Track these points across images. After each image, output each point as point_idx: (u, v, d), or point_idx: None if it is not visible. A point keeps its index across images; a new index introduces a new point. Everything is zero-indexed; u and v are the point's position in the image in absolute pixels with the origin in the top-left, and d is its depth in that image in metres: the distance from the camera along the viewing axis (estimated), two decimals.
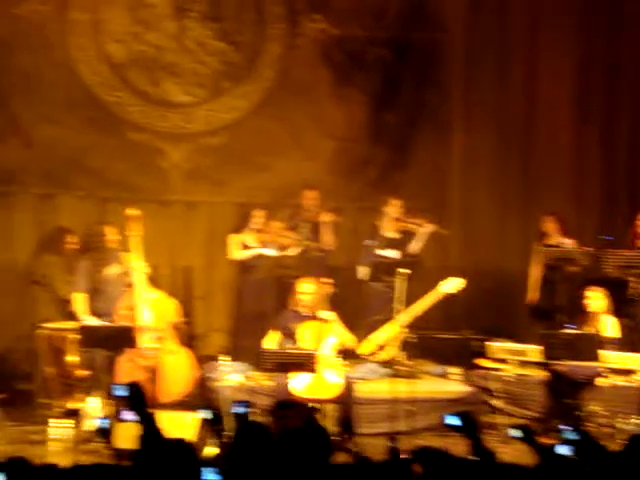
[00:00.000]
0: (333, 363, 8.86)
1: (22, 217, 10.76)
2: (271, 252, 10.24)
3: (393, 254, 10.25)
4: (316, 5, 10.90)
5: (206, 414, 5.47)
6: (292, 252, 10.30)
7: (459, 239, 11.00)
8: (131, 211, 9.47)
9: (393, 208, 10.31)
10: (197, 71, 11.03)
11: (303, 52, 11.07)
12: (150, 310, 9.13)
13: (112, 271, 9.60)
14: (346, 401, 8.68)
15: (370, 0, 10.48)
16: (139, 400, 5.45)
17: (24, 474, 4.97)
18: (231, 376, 9.45)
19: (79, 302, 9.42)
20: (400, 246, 10.29)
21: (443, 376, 9.79)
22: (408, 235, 10.33)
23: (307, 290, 9.14)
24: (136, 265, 9.35)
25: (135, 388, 5.48)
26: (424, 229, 10.25)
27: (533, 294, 10.17)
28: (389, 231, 10.37)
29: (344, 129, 10.69)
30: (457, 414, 5.29)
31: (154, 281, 9.58)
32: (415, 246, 10.26)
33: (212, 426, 5.56)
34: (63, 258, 10.08)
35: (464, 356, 10.04)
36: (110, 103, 10.83)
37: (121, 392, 5.59)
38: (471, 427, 5.22)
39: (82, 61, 10.74)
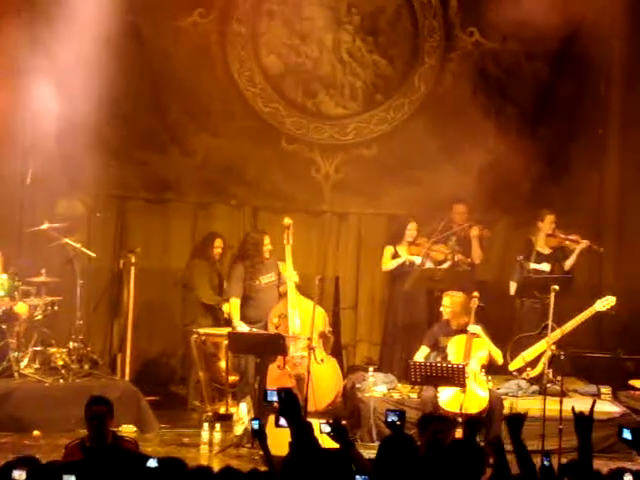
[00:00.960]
0: (480, 378, 8.81)
1: (178, 224, 11.03)
2: (416, 259, 10.23)
3: (546, 267, 10.14)
4: (471, 18, 10.84)
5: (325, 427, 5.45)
6: (443, 265, 10.28)
7: (613, 256, 10.75)
8: (288, 220, 9.60)
9: (548, 223, 10.20)
10: (351, 84, 11.12)
11: (457, 65, 11.04)
12: (301, 319, 9.23)
13: (266, 280, 9.76)
14: (493, 416, 8.61)
15: (527, 13, 10.35)
16: (292, 406, 5.51)
17: (179, 475, 5.09)
18: (378, 387, 9.49)
19: (234, 307, 9.61)
20: (553, 262, 10.17)
21: (594, 395, 9.58)
22: (561, 251, 10.20)
23: (449, 303, 9.14)
24: (289, 274, 9.49)
25: (288, 394, 5.53)
26: (578, 245, 10.10)
27: None
28: (543, 246, 10.26)
29: (497, 142, 10.60)
30: (632, 429, 5.20)
31: (304, 290, 9.71)
32: (569, 262, 10.13)
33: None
34: (210, 263, 10.29)
35: (616, 376, 9.82)
36: (266, 114, 11.03)
37: (274, 398, 5.66)
38: None
39: (240, 73, 10.97)
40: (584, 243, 10.08)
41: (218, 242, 10.28)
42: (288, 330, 9.35)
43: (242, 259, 9.81)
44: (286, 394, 5.53)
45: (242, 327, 9.51)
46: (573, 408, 5.51)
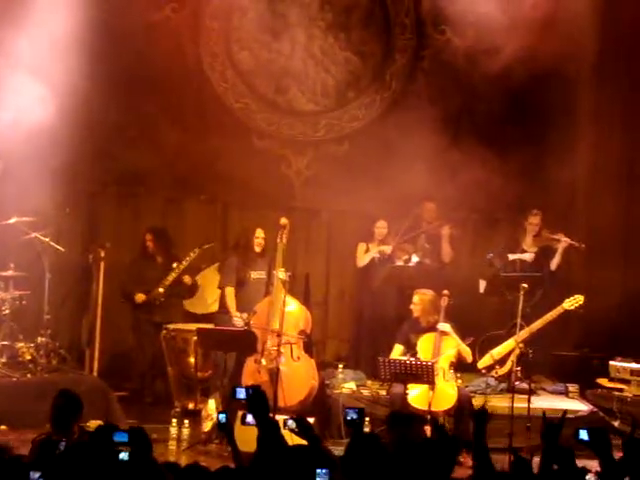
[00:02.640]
0: (449, 375, 8.84)
1: (148, 218, 10.98)
2: (388, 249, 10.24)
3: (528, 257, 10.19)
4: (443, 16, 10.86)
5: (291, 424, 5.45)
6: (411, 263, 10.31)
7: (581, 254, 10.80)
8: (284, 220, 9.55)
9: (534, 222, 10.25)
10: (323, 80, 11.12)
11: (428, 63, 11.06)
12: (284, 316, 9.18)
13: (256, 275, 9.73)
14: (462, 414, 8.64)
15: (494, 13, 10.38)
16: (260, 404, 5.49)
17: (147, 470, 5.08)
18: (347, 384, 9.50)
19: (230, 296, 9.59)
20: (536, 261, 10.23)
21: (562, 394, 9.64)
22: (547, 250, 10.25)
23: (419, 301, 9.17)
24: (279, 272, 9.43)
25: (256, 392, 5.52)
26: (560, 244, 10.15)
27: None
28: (529, 245, 10.32)
29: (468, 140, 10.63)
30: (588, 429, 5.24)
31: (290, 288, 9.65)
32: (555, 261, 10.19)
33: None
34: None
35: (584, 375, 9.89)
36: (237, 110, 11.01)
37: (242, 395, 5.64)
38: (602, 443, 5.16)
39: (212, 68, 10.95)
40: (565, 241, 10.13)
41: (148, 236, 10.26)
42: (267, 325, 9.29)
43: (234, 249, 9.83)
44: (254, 391, 5.52)
45: (238, 320, 9.47)
46: (544, 414, 5.56)
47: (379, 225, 10.38)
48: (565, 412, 5.86)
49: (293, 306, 9.33)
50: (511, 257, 10.27)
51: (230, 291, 9.63)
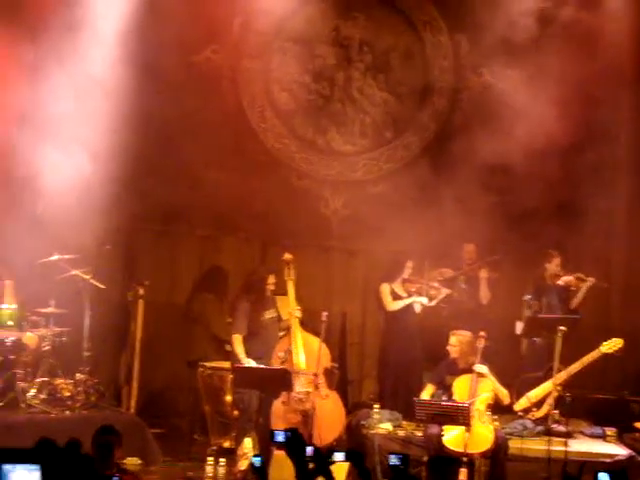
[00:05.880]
0: (485, 417, 8.81)
1: (186, 256, 11.07)
2: (423, 300, 10.28)
3: (555, 301, 10.20)
4: (482, 59, 10.92)
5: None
6: (442, 303, 10.33)
7: (619, 298, 10.76)
8: (288, 256, 9.63)
9: (554, 264, 10.26)
10: (361, 121, 11.20)
11: (466, 105, 11.12)
12: (305, 354, 9.24)
13: (269, 315, 9.78)
14: (498, 457, 8.61)
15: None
16: (299, 447, 5.53)
17: None
18: (383, 424, 9.49)
19: (239, 344, 9.62)
20: (561, 301, 10.23)
21: (599, 437, 9.57)
22: (566, 291, 10.25)
23: (456, 342, 9.17)
24: (292, 309, 9.49)
25: (295, 435, 5.56)
26: (584, 283, 10.14)
27: None
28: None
29: (503, 182, 10.65)
30: (610, 472, 5.21)
31: (311, 326, 9.72)
32: (576, 301, 10.19)
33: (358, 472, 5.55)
34: (219, 297, 10.31)
35: (622, 418, 9.82)
36: (276, 150, 11.11)
37: (280, 438, 5.69)
38: None
39: (251, 108, 11.07)
40: (590, 281, 10.13)
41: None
42: (291, 365, 9.33)
43: (246, 294, 9.85)
44: (292, 435, 5.56)
45: (250, 363, 9.51)
46: (564, 465, 5.53)
47: (408, 264, 10.41)
48: (584, 464, 5.80)
49: (314, 344, 9.36)
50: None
51: (238, 338, 9.56)
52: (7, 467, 4.65)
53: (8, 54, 9.87)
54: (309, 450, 5.49)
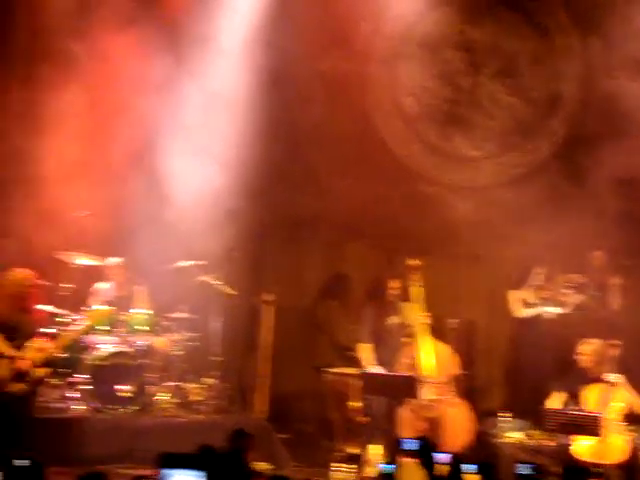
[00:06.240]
0: (619, 427, 8.61)
1: (311, 262, 11.14)
2: (555, 310, 10.12)
3: None
4: (614, 61, 10.69)
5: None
6: (572, 311, 10.14)
7: None
8: (413, 261, 9.59)
9: None
10: (487, 126, 11.09)
11: (595, 108, 10.91)
12: (431, 361, 9.19)
13: (393, 321, 9.76)
14: (633, 467, 8.40)
15: None
16: (429, 455, 5.51)
17: None
18: (511, 433, 9.37)
19: (365, 351, 9.60)
20: None
21: None
22: None
23: (587, 351, 8.97)
24: (417, 316, 9.45)
25: (426, 444, 5.54)
26: None
27: None
28: None
29: (634, 188, 10.40)
30: None
31: (438, 332, 9.66)
32: None
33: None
34: (344, 304, 10.34)
35: None
36: (402, 156, 11.08)
37: (411, 446, 5.66)
38: None
39: (377, 114, 11.06)
40: None
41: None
42: (416, 372, 9.28)
43: (370, 299, 9.83)
44: (424, 443, 5.54)
45: (372, 369, 9.49)
46: None
47: (536, 270, 10.24)
48: None
49: (442, 351, 9.27)
50: None
51: (365, 347, 9.59)
52: (171, 471, 4.74)
53: (141, 68, 10.12)
54: (445, 457, 5.46)
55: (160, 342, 9.58)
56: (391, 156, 11.09)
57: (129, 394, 9.26)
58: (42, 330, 8.77)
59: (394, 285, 9.75)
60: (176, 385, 9.60)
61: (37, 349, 8.57)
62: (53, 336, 8.90)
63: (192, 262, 9.85)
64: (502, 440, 9.26)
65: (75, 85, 10.03)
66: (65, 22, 10.23)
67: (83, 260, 9.73)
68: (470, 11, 11.04)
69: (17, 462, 5.18)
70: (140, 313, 9.57)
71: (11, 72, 10.41)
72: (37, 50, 10.35)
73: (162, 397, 9.46)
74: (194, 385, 9.61)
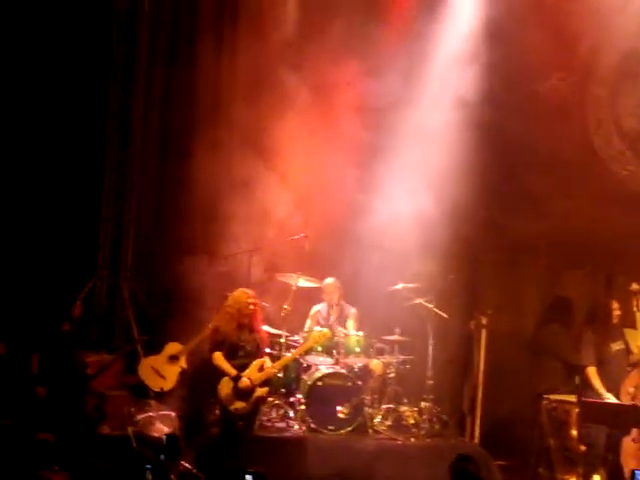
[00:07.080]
0: None
1: (529, 286, 10.92)
2: None
3: None
4: None
5: None
6: None
7: None
8: (636, 286, 9.26)
9: None
10: None
11: None
12: None
13: (616, 347, 9.45)
14: None
15: None
16: None
17: None
18: None
19: (594, 376, 9.37)
20: None
21: None
22: None
23: None
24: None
25: None
26: None
27: None
28: None
29: None
30: None
31: None
32: None
33: None
34: (567, 327, 10.10)
35: None
36: (624, 177, 10.74)
37: None
38: None
39: (598, 134, 10.78)
40: None
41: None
42: None
43: (591, 323, 9.58)
44: None
45: (610, 397, 9.20)
46: None
47: None
48: None
49: None
50: None
51: (592, 370, 9.34)
52: None
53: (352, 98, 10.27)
54: None
55: (375, 364, 9.63)
56: (612, 177, 10.76)
57: (344, 415, 9.33)
58: (265, 350, 8.99)
59: (614, 304, 9.45)
60: (391, 407, 9.61)
61: (258, 368, 8.78)
62: (274, 356, 9.11)
63: (407, 285, 9.85)
64: None
65: (293, 114, 10.28)
66: (285, 52, 10.55)
67: (303, 282, 9.90)
68: None
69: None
70: (353, 335, 9.66)
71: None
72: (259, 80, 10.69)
73: (377, 419, 9.48)
74: (408, 408, 9.59)
